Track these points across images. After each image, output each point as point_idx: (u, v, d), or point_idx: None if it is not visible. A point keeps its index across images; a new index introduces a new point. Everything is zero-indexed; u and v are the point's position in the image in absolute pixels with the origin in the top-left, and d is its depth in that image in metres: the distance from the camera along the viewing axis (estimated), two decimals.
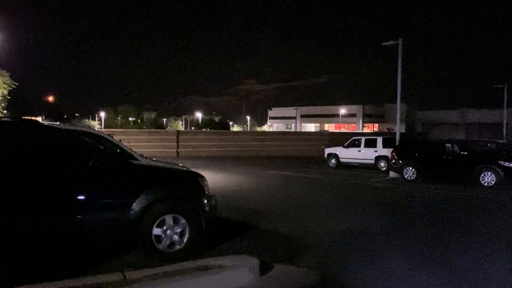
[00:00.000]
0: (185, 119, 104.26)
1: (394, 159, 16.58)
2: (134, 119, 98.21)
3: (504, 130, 35.45)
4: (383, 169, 18.94)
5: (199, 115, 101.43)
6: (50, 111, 78.21)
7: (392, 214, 9.07)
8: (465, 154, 14.90)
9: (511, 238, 7.03)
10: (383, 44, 19.33)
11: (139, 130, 37.88)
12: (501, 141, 21.99)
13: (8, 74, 27.60)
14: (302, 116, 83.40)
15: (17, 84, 28.19)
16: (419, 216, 8.96)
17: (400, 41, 18.77)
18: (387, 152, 18.40)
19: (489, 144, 17.90)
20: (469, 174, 14.36)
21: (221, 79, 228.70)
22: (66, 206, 4.84)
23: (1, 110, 28.43)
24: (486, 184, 13.80)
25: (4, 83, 27.36)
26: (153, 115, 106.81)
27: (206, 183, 5.89)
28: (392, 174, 17.02)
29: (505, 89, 35.36)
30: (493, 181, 13.68)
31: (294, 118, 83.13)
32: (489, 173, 13.80)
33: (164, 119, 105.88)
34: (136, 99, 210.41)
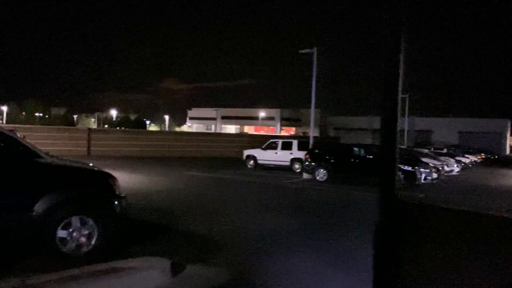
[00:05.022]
0: (98, 116, 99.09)
1: (308, 161, 17.37)
2: (41, 115, 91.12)
3: (405, 136, 38.94)
4: (298, 170, 19.73)
5: (114, 112, 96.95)
6: None
7: (302, 213, 9.51)
8: (370, 157, 16.09)
9: None
10: (300, 51, 20.16)
11: (47, 126, 35.22)
12: (403, 147, 24.12)
13: None
14: (222, 117, 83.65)
15: None
16: (327, 215, 9.51)
17: (315, 49, 19.71)
18: (301, 154, 19.21)
19: None
20: (373, 176, 15.52)
21: (141, 76, 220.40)
22: None
23: None
24: None
25: None
26: (62, 111, 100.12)
27: (117, 183, 5.70)
28: (305, 175, 17.80)
29: (407, 99, 39.09)
30: None
31: (215, 119, 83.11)
32: None
33: (75, 116, 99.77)
34: (44, 94, 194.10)
